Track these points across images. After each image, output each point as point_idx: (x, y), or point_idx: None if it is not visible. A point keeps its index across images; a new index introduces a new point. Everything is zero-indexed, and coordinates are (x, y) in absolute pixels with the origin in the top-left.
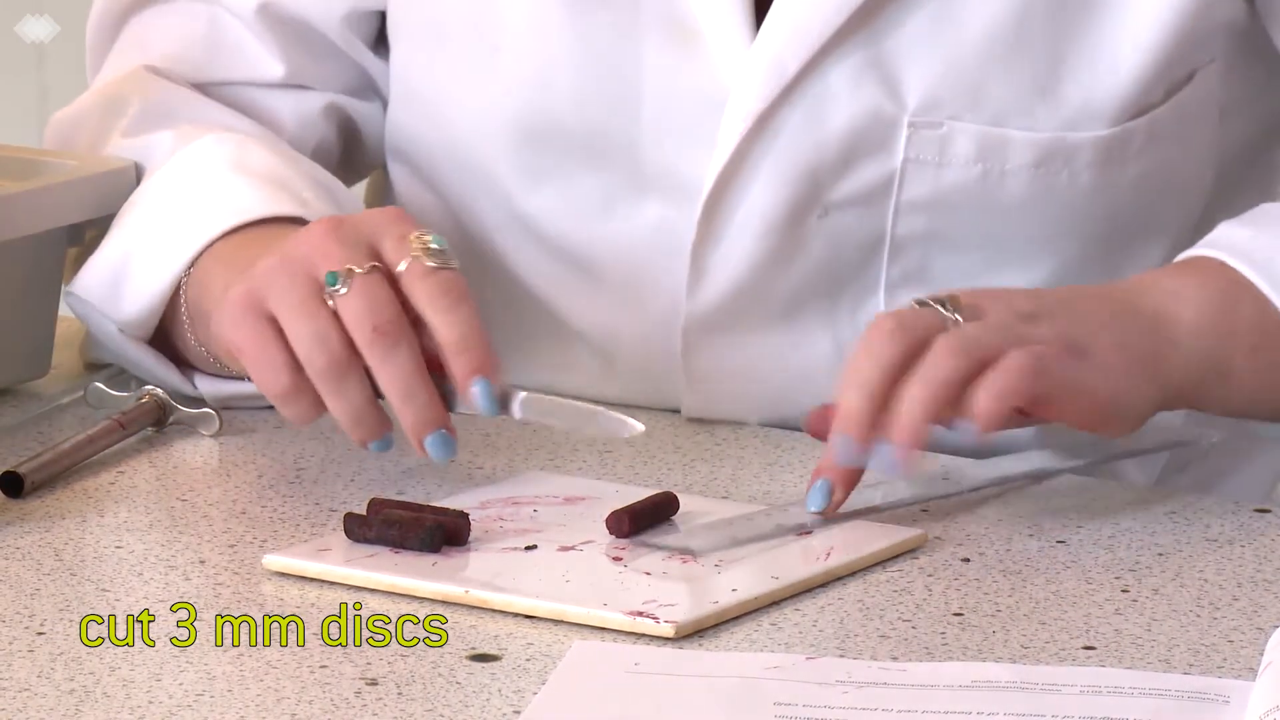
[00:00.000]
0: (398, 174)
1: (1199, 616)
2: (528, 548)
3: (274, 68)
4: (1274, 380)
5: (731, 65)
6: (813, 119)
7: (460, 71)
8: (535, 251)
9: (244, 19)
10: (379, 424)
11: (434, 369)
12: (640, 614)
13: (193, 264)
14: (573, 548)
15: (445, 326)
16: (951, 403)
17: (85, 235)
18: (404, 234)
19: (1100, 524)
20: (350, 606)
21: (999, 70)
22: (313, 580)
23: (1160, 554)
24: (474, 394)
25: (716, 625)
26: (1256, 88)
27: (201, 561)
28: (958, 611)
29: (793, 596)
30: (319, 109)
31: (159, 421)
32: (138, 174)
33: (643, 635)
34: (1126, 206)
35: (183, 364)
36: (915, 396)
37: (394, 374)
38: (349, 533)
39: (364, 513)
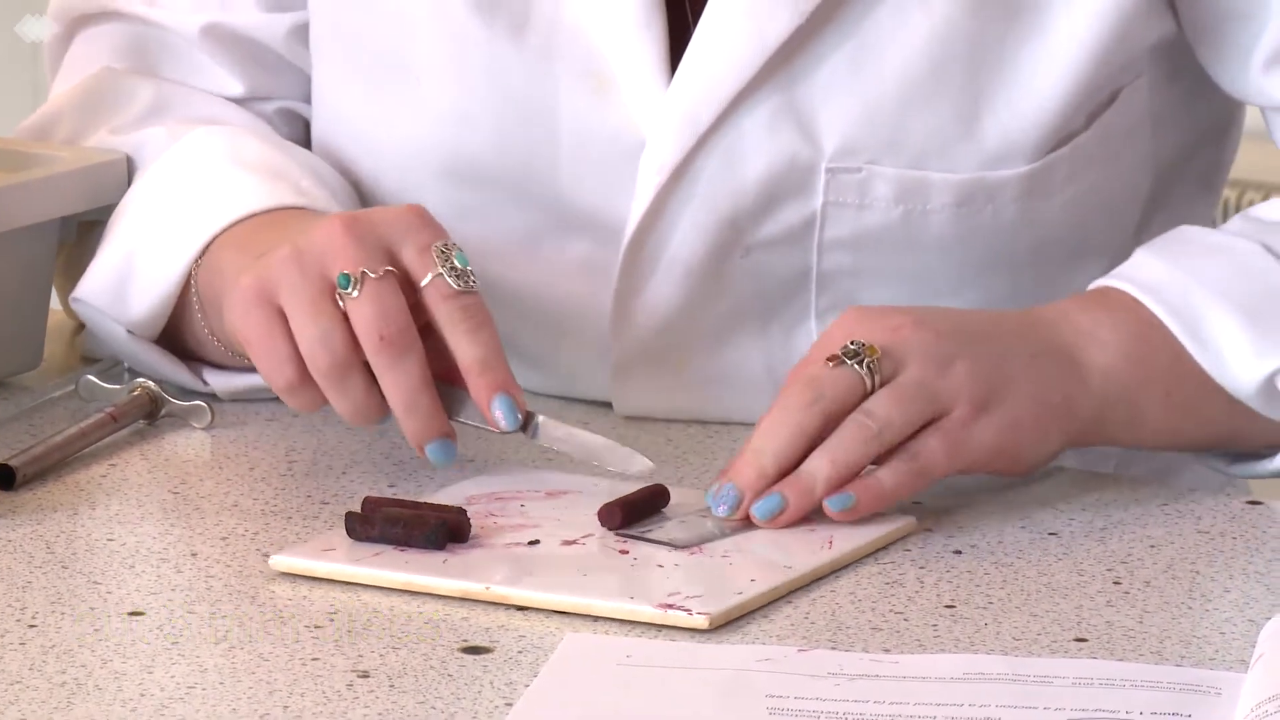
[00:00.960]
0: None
1: (1191, 608)
2: (530, 542)
3: (232, 86)
4: (1184, 421)
5: (646, 113)
6: (729, 167)
7: (381, 102)
8: None
9: (190, 40)
10: (379, 413)
11: (438, 376)
12: (671, 606)
13: (199, 258)
14: (575, 541)
15: (467, 348)
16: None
17: (76, 229)
18: (426, 243)
19: (1092, 516)
20: (343, 600)
21: (917, 114)
22: (305, 574)
23: (1152, 546)
24: (496, 410)
25: None
26: (1188, 95)
27: (193, 554)
28: (950, 604)
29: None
30: (272, 112)
31: (151, 414)
32: (129, 167)
33: (673, 628)
34: (1056, 233)
35: (191, 360)
36: (823, 474)
37: (399, 385)
38: (350, 531)
39: (359, 511)
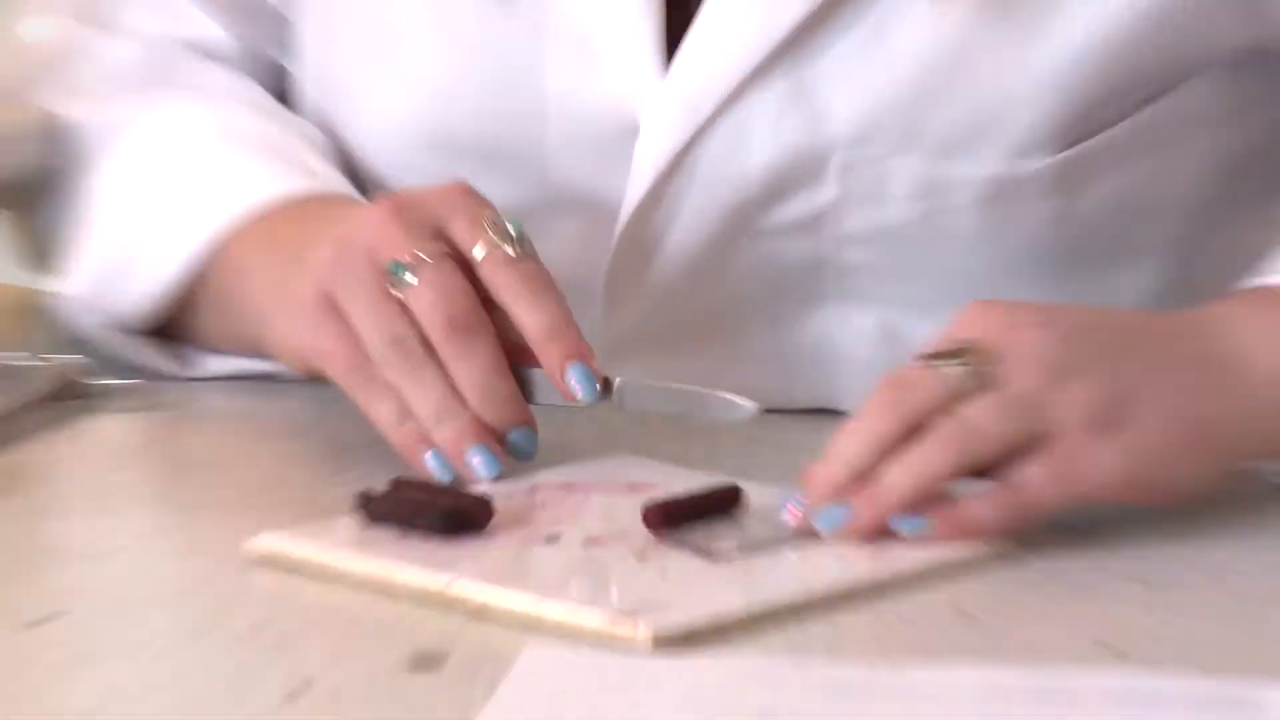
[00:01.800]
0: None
1: (1234, 615)
2: (549, 538)
3: (221, 35)
4: None
5: (640, 94)
6: (732, 156)
7: (363, 69)
8: None
9: None
10: (461, 409)
11: (510, 359)
12: (618, 621)
13: (211, 253)
14: (599, 540)
15: (533, 316)
16: (930, 495)
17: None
18: (475, 215)
19: (1120, 510)
20: (283, 602)
21: (935, 103)
22: (252, 567)
23: (1187, 544)
24: (571, 379)
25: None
26: (1259, 97)
27: (120, 549)
28: (963, 609)
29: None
30: (257, 64)
31: (78, 395)
32: (55, 124)
33: (618, 640)
34: (1094, 230)
35: (170, 340)
36: (898, 485)
37: (473, 370)
38: (361, 510)
39: (381, 491)
